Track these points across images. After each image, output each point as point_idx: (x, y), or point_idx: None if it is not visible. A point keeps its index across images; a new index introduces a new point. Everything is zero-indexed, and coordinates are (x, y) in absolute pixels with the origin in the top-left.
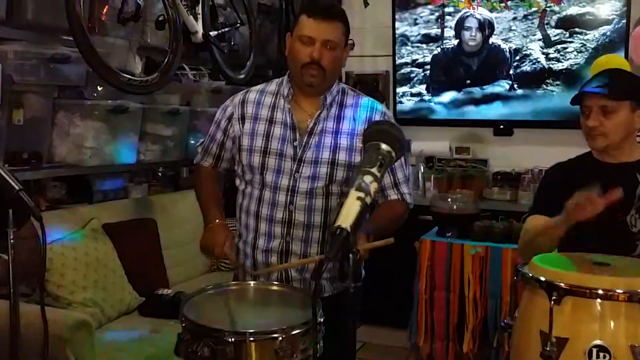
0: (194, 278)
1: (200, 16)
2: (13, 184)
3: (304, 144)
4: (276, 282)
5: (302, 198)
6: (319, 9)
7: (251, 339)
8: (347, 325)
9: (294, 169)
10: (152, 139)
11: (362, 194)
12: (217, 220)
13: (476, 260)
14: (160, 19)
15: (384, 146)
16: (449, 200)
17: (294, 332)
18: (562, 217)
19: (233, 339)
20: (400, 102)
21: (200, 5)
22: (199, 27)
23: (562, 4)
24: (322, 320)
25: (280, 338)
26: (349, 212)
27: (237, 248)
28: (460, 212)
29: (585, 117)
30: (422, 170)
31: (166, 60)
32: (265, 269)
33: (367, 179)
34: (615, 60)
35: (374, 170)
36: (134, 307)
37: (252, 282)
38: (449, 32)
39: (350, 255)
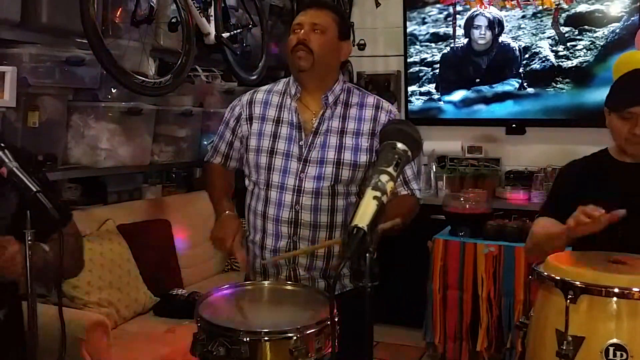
0: (208, 278)
1: (212, 18)
2: (31, 185)
3: (309, 143)
4: (290, 282)
5: (308, 198)
6: (308, 2)
7: (266, 338)
8: (363, 325)
9: (300, 169)
10: (166, 140)
11: (378, 193)
12: (227, 212)
13: (489, 259)
14: (173, 21)
15: (399, 145)
16: (462, 199)
17: (308, 332)
18: (564, 229)
19: (248, 339)
20: (411, 102)
21: (212, 7)
22: (211, 28)
23: (573, 3)
24: (337, 319)
25: (295, 337)
26: (365, 212)
27: (247, 247)
28: (473, 212)
29: (629, 124)
30: (434, 170)
31: (179, 62)
32: (275, 257)
33: (384, 178)
34: (638, 57)
35: (390, 169)
36: (149, 307)
37: (266, 282)
38: (458, 31)
39: (367, 254)
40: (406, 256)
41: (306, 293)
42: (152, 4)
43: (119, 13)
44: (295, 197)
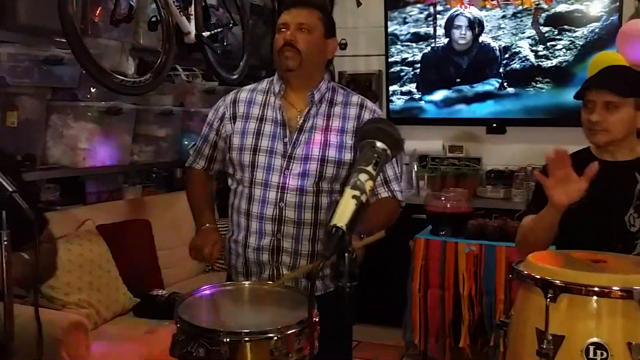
0: (189, 278)
1: (192, 17)
2: (6, 186)
3: (293, 140)
4: (270, 282)
5: (293, 195)
6: (292, 1)
7: (246, 339)
8: (343, 325)
9: (284, 166)
10: (146, 140)
11: (357, 192)
12: (207, 224)
13: (470, 258)
14: (152, 20)
15: (379, 144)
16: (443, 198)
17: (289, 332)
18: (549, 203)
19: (228, 339)
20: (392, 101)
21: (192, 6)
22: (191, 27)
23: (552, 2)
24: (317, 319)
25: (276, 338)
26: (344, 211)
27: (229, 248)
28: (454, 211)
29: (588, 112)
30: (416, 169)
31: (159, 61)
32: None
33: (363, 177)
34: (612, 56)
35: (369, 168)
36: (129, 308)
37: (246, 282)
38: (439, 31)
39: (346, 254)
40: (387, 255)
41: (287, 293)
42: (131, 2)
43: (98, 12)
44: (279, 194)
